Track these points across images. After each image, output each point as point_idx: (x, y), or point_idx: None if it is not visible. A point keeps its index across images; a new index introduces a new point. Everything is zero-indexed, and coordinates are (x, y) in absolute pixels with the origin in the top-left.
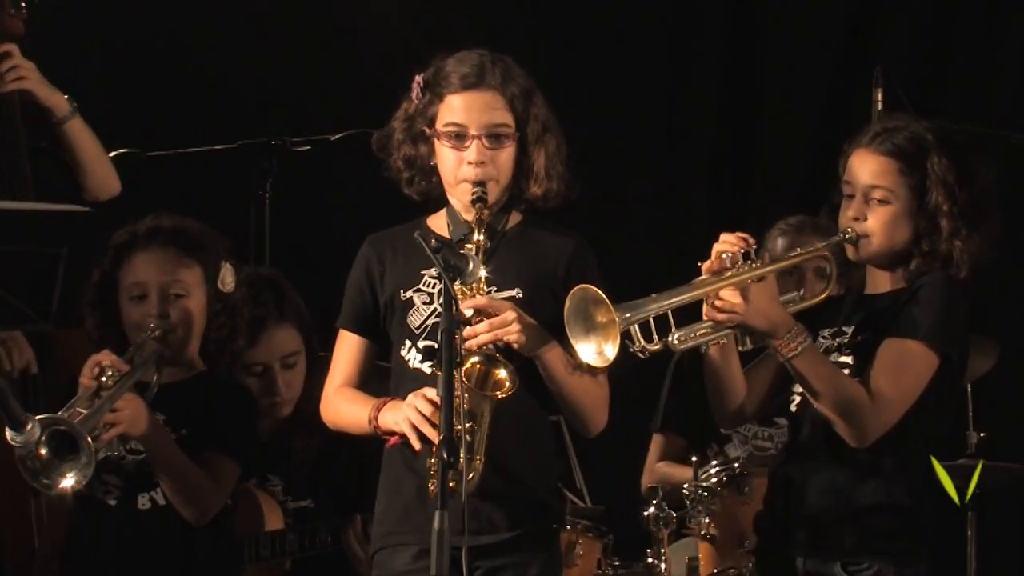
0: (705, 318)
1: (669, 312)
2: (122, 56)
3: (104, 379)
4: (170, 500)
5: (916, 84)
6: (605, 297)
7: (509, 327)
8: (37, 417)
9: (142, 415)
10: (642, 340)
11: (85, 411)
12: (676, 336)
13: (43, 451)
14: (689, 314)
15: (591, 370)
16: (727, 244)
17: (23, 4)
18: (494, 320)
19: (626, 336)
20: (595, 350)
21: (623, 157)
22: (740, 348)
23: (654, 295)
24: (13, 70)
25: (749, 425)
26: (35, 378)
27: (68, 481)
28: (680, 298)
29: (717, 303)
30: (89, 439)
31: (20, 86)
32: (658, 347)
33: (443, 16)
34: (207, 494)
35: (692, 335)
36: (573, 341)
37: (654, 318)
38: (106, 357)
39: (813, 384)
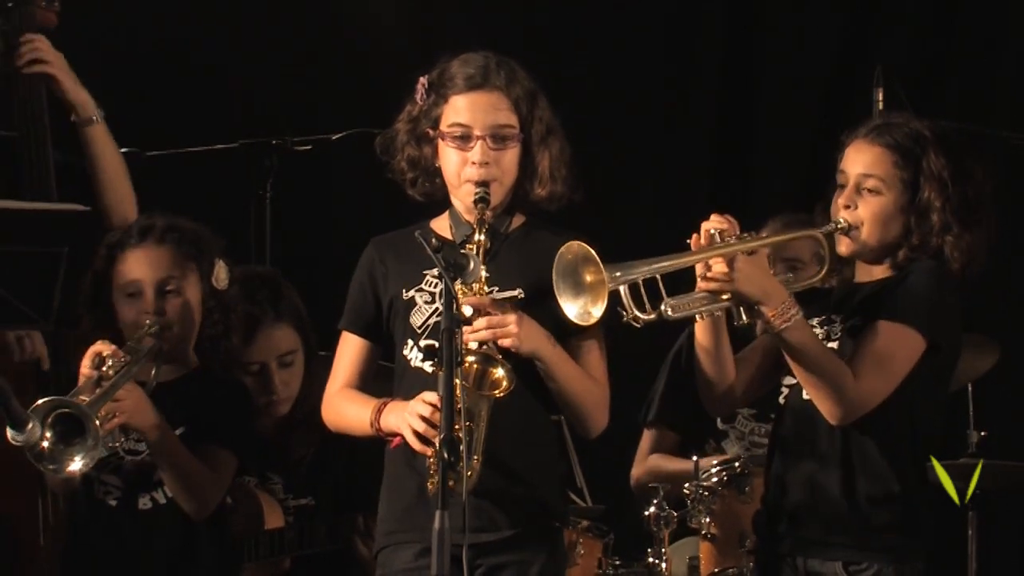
0: (698, 289)
1: (661, 285)
2: (123, 55)
3: (104, 368)
4: (171, 493)
5: (916, 84)
6: (595, 255)
7: (507, 328)
8: (42, 400)
9: (143, 405)
10: (634, 309)
11: (88, 398)
12: (669, 304)
13: (48, 434)
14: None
15: (578, 328)
16: (714, 223)
17: None
18: (492, 319)
19: (618, 304)
20: (581, 309)
21: (622, 157)
22: (735, 323)
23: (644, 259)
24: (37, 56)
25: (746, 421)
26: (45, 375)
27: (76, 464)
28: (671, 263)
29: (709, 273)
30: (96, 421)
31: (43, 70)
32: (651, 317)
33: (443, 16)
34: (207, 486)
35: (686, 304)
36: (560, 299)
37: (647, 291)
38: (106, 347)
39: (801, 357)
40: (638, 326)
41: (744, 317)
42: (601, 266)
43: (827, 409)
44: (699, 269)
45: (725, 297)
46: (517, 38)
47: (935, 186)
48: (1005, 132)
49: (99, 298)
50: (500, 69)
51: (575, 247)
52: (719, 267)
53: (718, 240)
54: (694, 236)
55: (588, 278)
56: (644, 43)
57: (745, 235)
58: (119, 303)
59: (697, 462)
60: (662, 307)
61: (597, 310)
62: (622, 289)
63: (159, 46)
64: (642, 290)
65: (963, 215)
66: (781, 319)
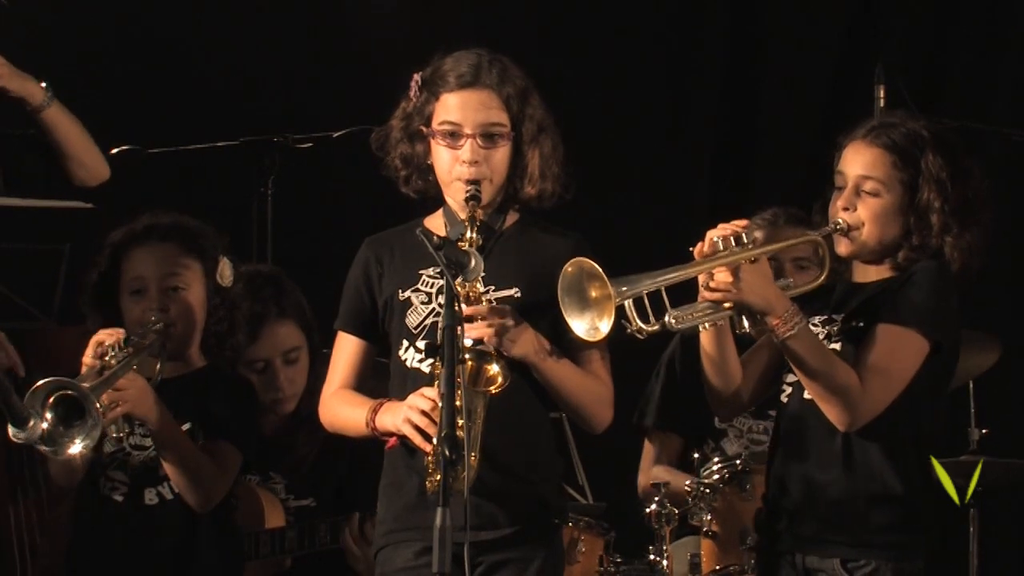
0: (701, 299)
1: (664, 295)
2: (123, 53)
3: (107, 358)
4: (175, 485)
5: (916, 83)
6: (601, 271)
7: (505, 321)
8: (42, 381)
9: (146, 395)
10: (638, 321)
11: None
12: (672, 316)
13: (49, 415)
14: (686, 300)
15: (584, 343)
16: (720, 230)
17: None
18: (495, 319)
19: (622, 317)
20: (589, 325)
21: (622, 157)
22: (737, 331)
23: (648, 272)
24: None
25: (744, 419)
26: (20, 381)
27: (76, 447)
28: (675, 275)
29: (712, 283)
30: (96, 402)
31: None
32: (655, 328)
33: (445, 13)
34: (212, 478)
35: (689, 315)
36: (567, 316)
37: (650, 301)
38: (109, 335)
39: (806, 365)
40: (642, 338)
41: (746, 326)
42: (607, 281)
43: (834, 416)
44: (702, 279)
45: (727, 306)
46: (519, 37)
47: (934, 187)
48: (1006, 130)
49: (105, 298)
50: (492, 67)
51: (579, 263)
52: (723, 276)
53: (721, 248)
54: (698, 245)
55: (593, 293)
56: (645, 43)
57: (747, 243)
58: (124, 301)
59: (698, 460)
60: (666, 318)
61: (604, 325)
62: (626, 302)
63: (161, 44)
64: (646, 301)
65: (962, 215)
66: (785, 328)
